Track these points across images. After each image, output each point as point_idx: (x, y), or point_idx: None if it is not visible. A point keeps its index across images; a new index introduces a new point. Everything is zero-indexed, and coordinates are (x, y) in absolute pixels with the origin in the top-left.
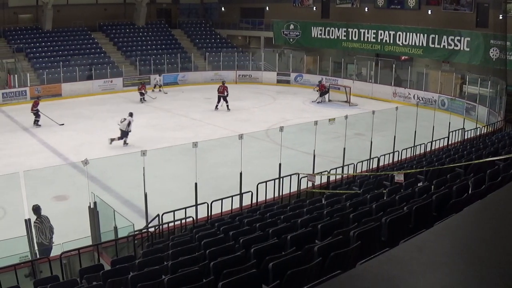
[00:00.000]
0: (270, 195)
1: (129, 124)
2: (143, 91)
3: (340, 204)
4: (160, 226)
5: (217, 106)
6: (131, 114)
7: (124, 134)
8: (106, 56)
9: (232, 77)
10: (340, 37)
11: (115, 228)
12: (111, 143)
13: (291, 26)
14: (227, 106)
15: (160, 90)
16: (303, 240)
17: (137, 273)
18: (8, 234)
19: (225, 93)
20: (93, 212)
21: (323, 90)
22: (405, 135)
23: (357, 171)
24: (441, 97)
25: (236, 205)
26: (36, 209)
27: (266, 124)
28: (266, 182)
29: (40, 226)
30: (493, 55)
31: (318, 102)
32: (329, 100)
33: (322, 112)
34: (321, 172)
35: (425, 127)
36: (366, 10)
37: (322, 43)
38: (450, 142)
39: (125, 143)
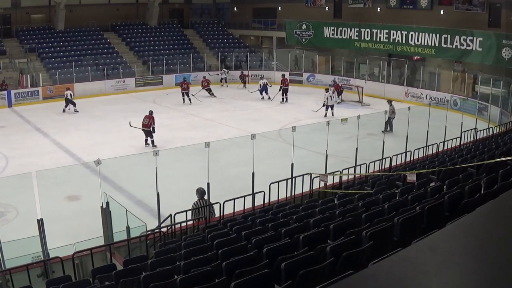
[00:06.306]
0: (282, 195)
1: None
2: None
3: (352, 204)
4: (173, 226)
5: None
6: None
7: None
8: (118, 56)
9: None
10: (353, 37)
11: (128, 228)
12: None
13: (303, 26)
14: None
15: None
16: (315, 240)
17: (149, 273)
18: (20, 234)
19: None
20: (106, 212)
21: (339, 90)
22: (417, 135)
23: (369, 171)
24: (454, 97)
25: (249, 205)
26: (200, 192)
27: (279, 124)
28: (278, 182)
29: (194, 207)
30: (505, 55)
31: (338, 103)
32: (342, 100)
33: (334, 112)
34: (333, 172)
35: (438, 127)
36: (379, 10)
37: (335, 43)
38: (462, 142)
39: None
